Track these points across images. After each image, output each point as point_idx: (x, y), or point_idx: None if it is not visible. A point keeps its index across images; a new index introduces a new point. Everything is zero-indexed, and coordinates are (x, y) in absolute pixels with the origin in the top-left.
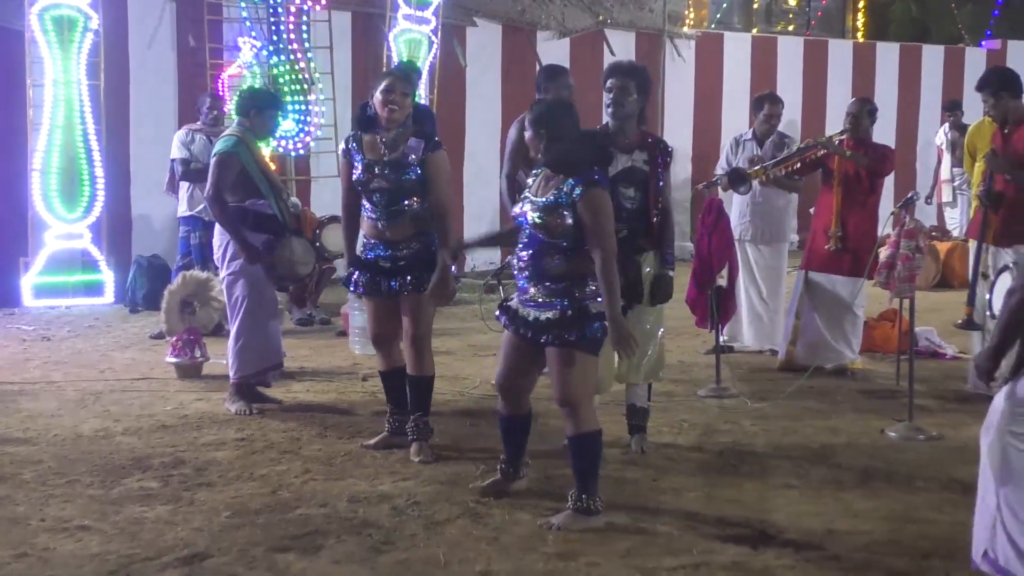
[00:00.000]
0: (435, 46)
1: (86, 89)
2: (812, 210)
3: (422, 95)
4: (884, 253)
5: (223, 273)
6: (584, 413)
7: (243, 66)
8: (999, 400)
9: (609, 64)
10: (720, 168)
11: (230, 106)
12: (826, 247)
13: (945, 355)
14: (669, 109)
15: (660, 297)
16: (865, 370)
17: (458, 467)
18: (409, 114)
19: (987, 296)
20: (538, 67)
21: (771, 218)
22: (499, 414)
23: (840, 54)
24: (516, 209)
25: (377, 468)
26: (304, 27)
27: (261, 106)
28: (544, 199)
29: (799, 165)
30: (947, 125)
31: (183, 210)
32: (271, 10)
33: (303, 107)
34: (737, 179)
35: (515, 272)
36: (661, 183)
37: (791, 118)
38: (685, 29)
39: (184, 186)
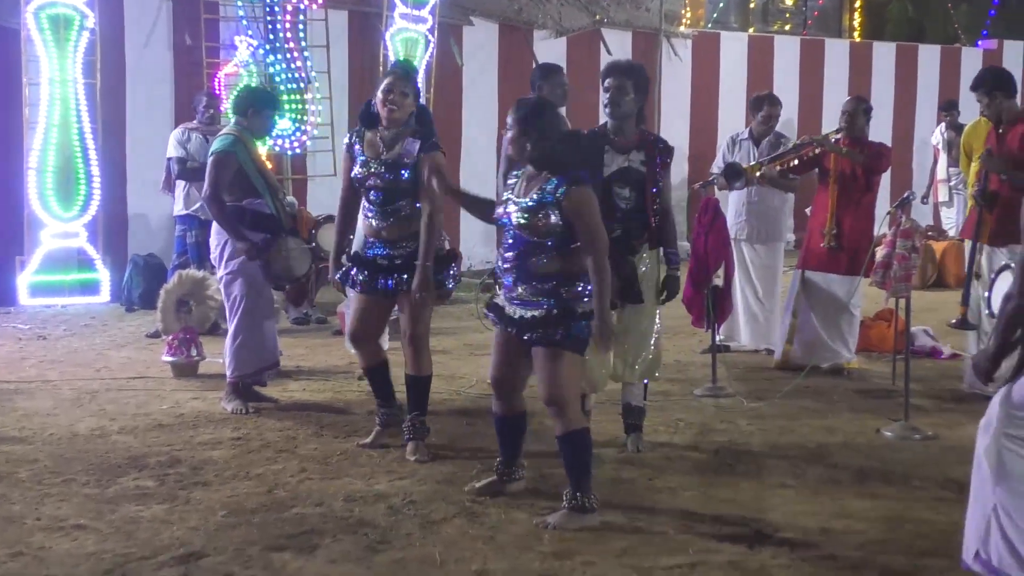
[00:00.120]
0: (432, 45)
1: (82, 88)
2: (808, 210)
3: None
4: (880, 253)
5: (221, 272)
6: (571, 412)
7: (239, 65)
8: (996, 402)
9: (607, 63)
10: (716, 167)
11: (226, 105)
12: (822, 245)
13: (941, 354)
14: (665, 108)
15: (670, 296)
16: (861, 370)
17: (454, 466)
18: (412, 114)
19: (985, 294)
20: (534, 66)
21: (767, 218)
22: (494, 414)
23: (836, 54)
24: (499, 210)
25: (373, 467)
26: (301, 26)
27: (259, 106)
28: (528, 199)
29: (795, 163)
30: (943, 125)
31: (179, 209)
32: (268, 9)
33: (300, 106)
34: (733, 174)
35: (500, 272)
36: (660, 183)
37: (787, 117)
38: (682, 28)
39: (180, 185)
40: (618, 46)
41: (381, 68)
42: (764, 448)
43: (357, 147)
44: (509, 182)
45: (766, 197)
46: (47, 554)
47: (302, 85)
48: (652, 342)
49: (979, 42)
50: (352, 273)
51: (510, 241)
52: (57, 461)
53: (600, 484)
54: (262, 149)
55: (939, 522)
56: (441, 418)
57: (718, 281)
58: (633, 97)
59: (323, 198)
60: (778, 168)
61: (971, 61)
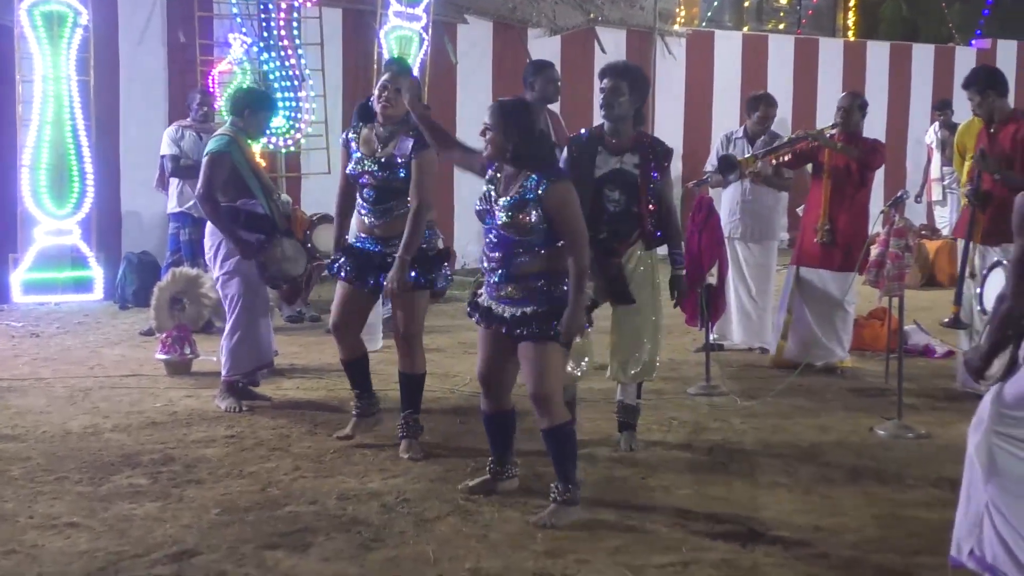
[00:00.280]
0: (426, 43)
1: (76, 85)
2: (800, 210)
3: None
4: (873, 251)
5: (216, 272)
6: (556, 406)
7: (233, 63)
8: (988, 400)
9: (604, 64)
10: (710, 165)
11: (220, 103)
12: (815, 240)
13: (934, 353)
14: (659, 107)
15: (681, 296)
16: (854, 368)
17: (448, 464)
18: (408, 112)
19: (978, 290)
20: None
21: (761, 216)
22: (482, 412)
23: (831, 53)
24: (479, 206)
25: (367, 465)
26: (295, 23)
27: (255, 106)
28: (509, 198)
29: (789, 157)
30: (937, 124)
31: (173, 206)
32: (262, 6)
33: (294, 104)
34: (727, 166)
35: (486, 272)
36: (654, 186)
37: (781, 116)
38: (676, 27)
39: (174, 182)
40: (612, 45)
41: (375, 66)
42: (757, 446)
43: (353, 143)
44: (489, 186)
45: (760, 196)
46: (40, 552)
47: (296, 83)
48: (646, 340)
49: (973, 41)
50: (341, 262)
51: (495, 241)
52: (50, 459)
53: (593, 482)
54: (256, 147)
55: (932, 520)
56: (434, 416)
57: (712, 280)
58: (628, 99)
59: (317, 196)
60: (772, 162)
61: (965, 60)
